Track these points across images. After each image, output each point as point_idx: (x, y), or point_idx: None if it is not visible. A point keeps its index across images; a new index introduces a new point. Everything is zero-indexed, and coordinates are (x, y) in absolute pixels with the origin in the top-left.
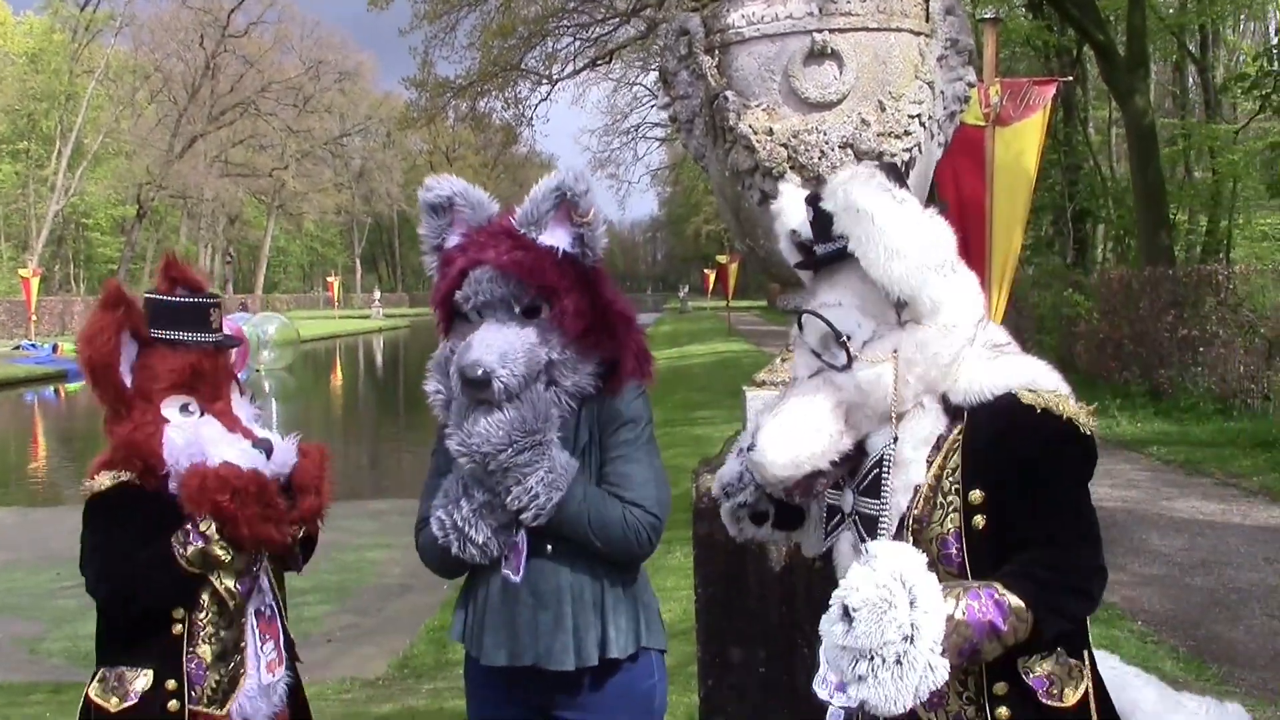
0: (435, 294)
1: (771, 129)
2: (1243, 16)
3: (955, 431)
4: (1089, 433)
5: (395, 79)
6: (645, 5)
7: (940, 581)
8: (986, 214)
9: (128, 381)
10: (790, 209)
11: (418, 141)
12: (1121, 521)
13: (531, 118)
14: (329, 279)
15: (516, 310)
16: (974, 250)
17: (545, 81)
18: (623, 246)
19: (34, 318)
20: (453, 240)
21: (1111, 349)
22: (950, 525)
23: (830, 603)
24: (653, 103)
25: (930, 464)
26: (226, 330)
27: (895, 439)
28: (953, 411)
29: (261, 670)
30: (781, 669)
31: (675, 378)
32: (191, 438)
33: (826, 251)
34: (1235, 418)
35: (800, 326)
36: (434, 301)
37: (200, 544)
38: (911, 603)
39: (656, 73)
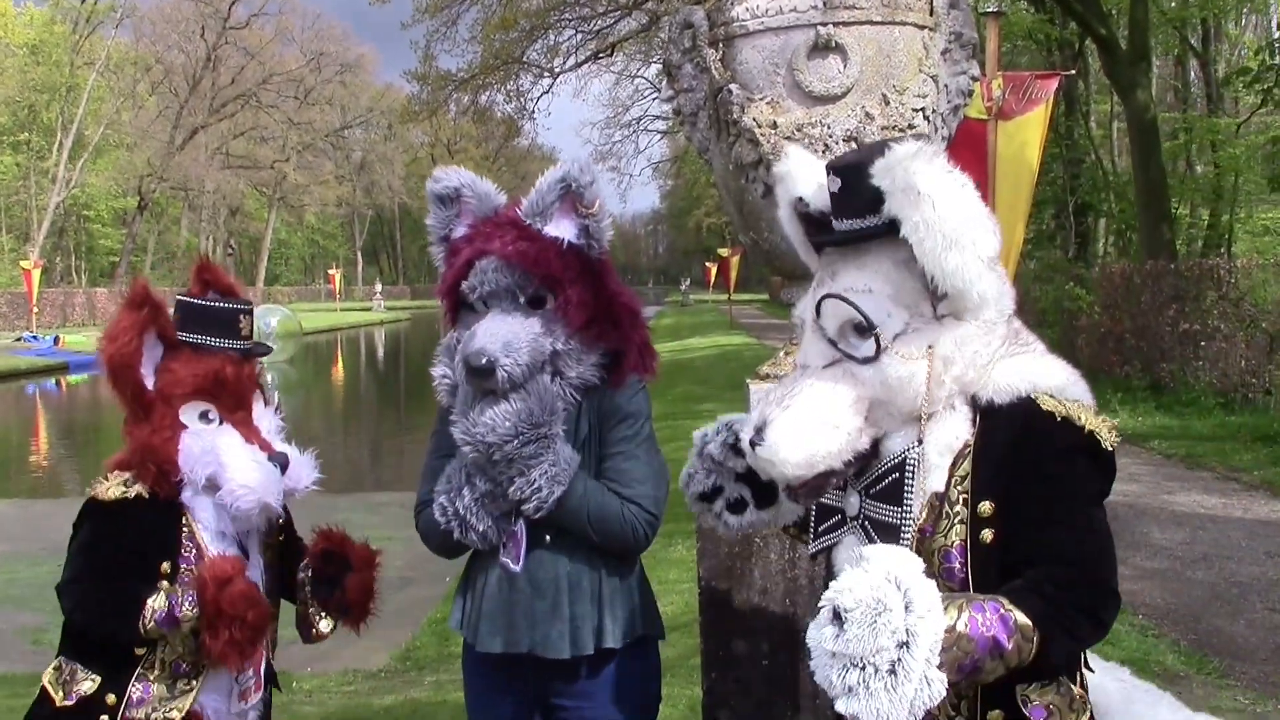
0: (442, 284)
1: (775, 122)
2: (1245, 10)
3: (970, 437)
4: (1109, 448)
5: (396, 71)
6: None
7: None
8: (989, 208)
9: (149, 383)
10: (798, 175)
11: (419, 134)
12: (1122, 516)
13: (533, 111)
14: (330, 271)
15: (521, 300)
16: None
17: (547, 74)
18: (624, 239)
19: (35, 309)
20: (459, 231)
21: (1113, 343)
22: (955, 538)
23: (820, 606)
24: (654, 95)
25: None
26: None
27: (920, 442)
28: (979, 415)
29: (233, 699)
30: (785, 662)
31: (677, 371)
32: (208, 446)
33: (857, 229)
34: (1236, 412)
35: (818, 312)
36: (440, 291)
37: (166, 627)
38: (907, 606)
39: (659, 66)
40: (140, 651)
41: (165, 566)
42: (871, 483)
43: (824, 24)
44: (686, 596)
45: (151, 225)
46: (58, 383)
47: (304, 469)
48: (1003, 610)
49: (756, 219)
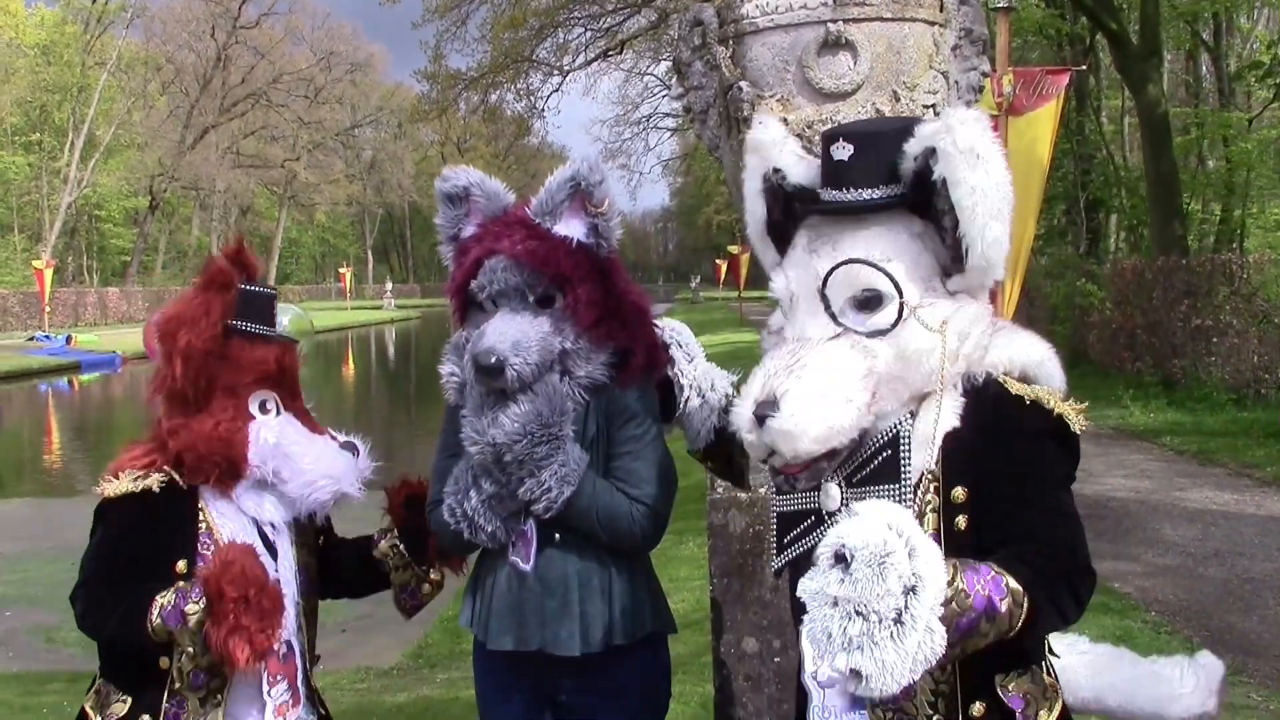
0: (451, 283)
1: (786, 119)
2: (1257, 4)
3: (959, 419)
4: (1076, 431)
5: (406, 70)
6: None
7: None
8: None
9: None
10: (777, 146)
11: (429, 133)
12: (1134, 512)
13: (543, 109)
14: (341, 270)
15: (530, 299)
16: None
17: (556, 73)
18: (634, 237)
19: (47, 309)
20: (468, 230)
21: (1124, 339)
22: (928, 527)
23: (818, 556)
24: (664, 93)
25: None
26: None
27: (912, 414)
28: (966, 397)
29: (269, 714)
30: (797, 659)
31: None
32: (280, 438)
33: (876, 199)
34: (1249, 408)
35: (825, 282)
36: (449, 290)
37: (172, 624)
38: (910, 553)
39: (668, 63)
40: (166, 665)
41: (181, 565)
42: (857, 468)
43: (834, 21)
44: (698, 594)
45: (163, 225)
46: (70, 382)
47: (367, 460)
48: (994, 572)
49: None
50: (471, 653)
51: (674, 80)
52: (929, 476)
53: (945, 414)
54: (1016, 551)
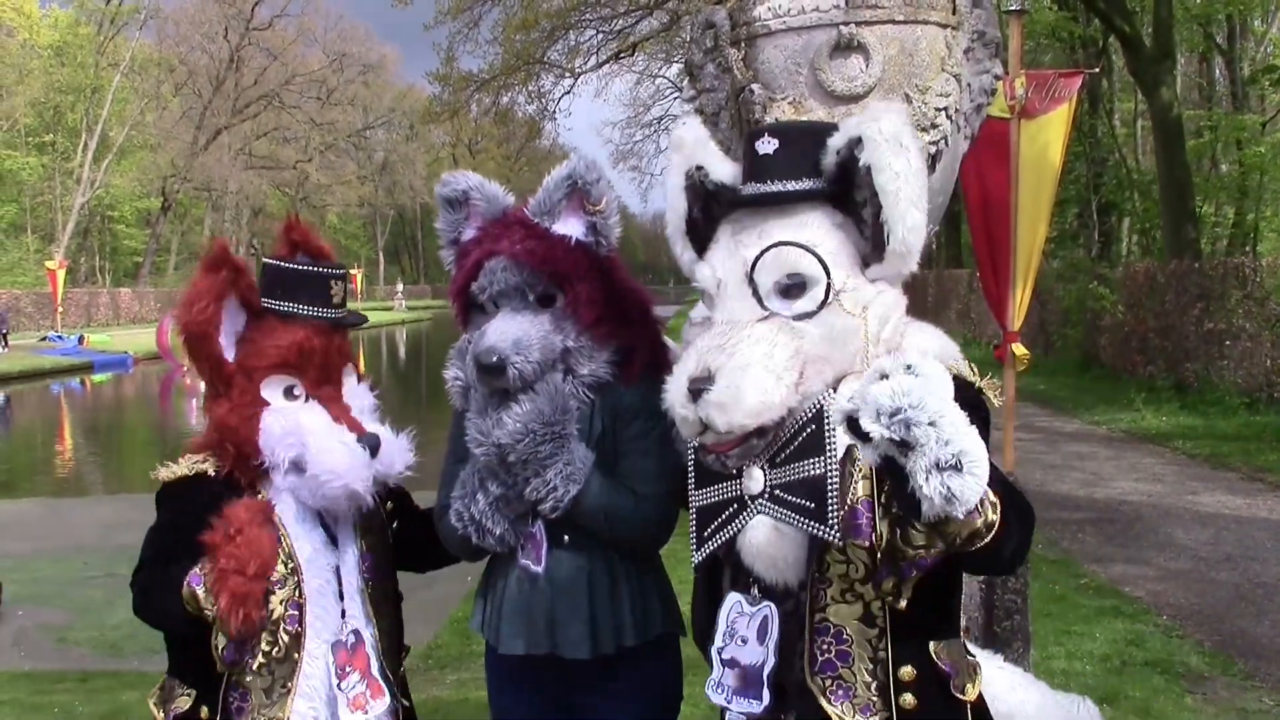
0: (452, 286)
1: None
2: (1272, 7)
3: None
4: (991, 406)
5: (418, 72)
6: None
7: (847, 560)
8: (1011, 208)
9: (230, 355)
10: (699, 142)
11: (441, 135)
12: (1146, 516)
13: (554, 111)
14: (352, 271)
15: (531, 299)
16: (999, 244)
17: (568, 75)
18: (645, 239)
19: (60, 309)
20: (469, 233)
21: (1136, 343)
22: (860, 492)
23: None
24: (676, 95)
25: None
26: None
27: (834, 389)
28: None
29: (344, 708)
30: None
31: None
32: (291, 426)
33: (800, 190)
34: (1261, 412)
35: (753, 266)
36: (451, 293)
37: (194, 584)
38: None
39: (680, 66)
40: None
41: None
42: (780, 448)
43: (846, 23)
44: None
45: (175, 226)
46: (82, 382)
47: (397, 453)
48: None
49: None
50: (481, 654)
51: (686, 83)
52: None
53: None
54: None
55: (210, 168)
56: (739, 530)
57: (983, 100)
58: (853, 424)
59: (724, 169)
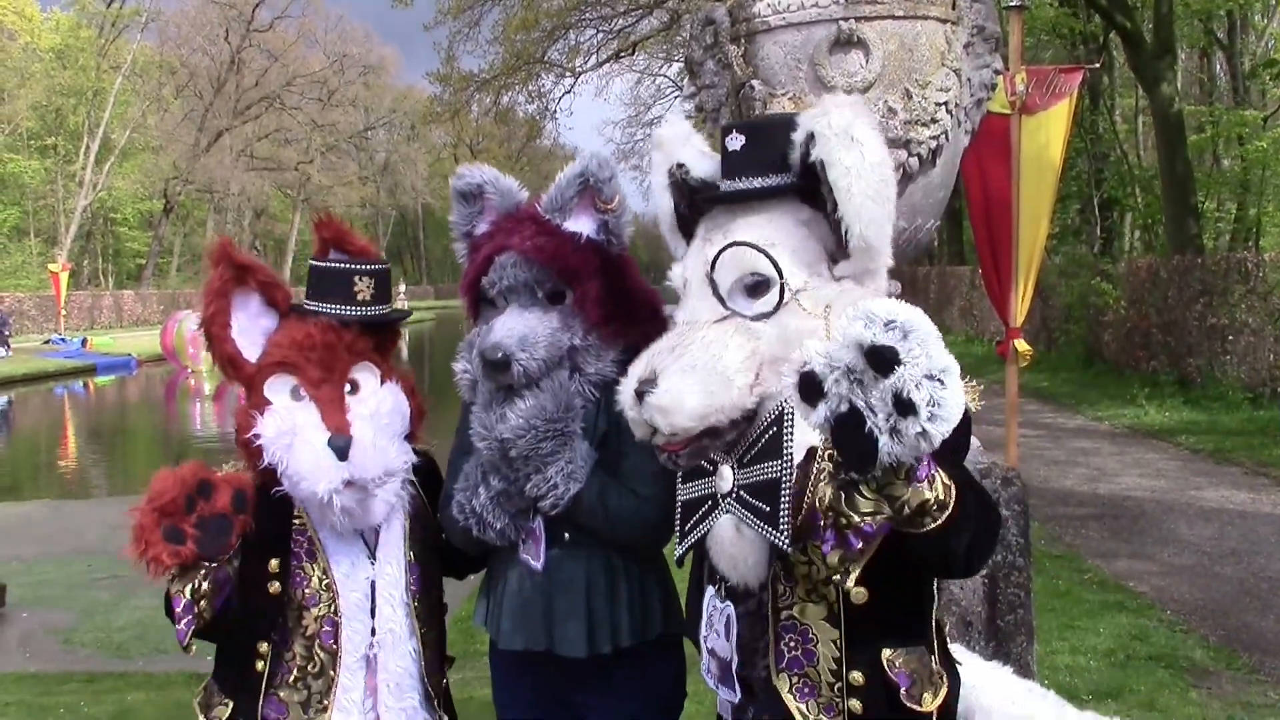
0: (463, 280)
1: None
2: (1273, 2)
3: None
4: (972, 409)
5: (418, 73)
6: None
7: (809, 561)
8: (1012, 204)
9: (252, 356)
10: (679, 142)
11: (442, 135)
12: (1150, 511)
13: (555, 111)
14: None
15: (539, 295)
16: (1000, 241)
17: (568, 74)
18: (647, 238)
19: (63, 312)
20: (482, 228)
21: (1139, 338)
22: (827, 491)
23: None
24: (676, 94)
25: None
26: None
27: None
28: None
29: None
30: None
31: None
32: (286, 428)
33: (760, 187)
34: (1265, 406)
35: (712, 265)
36: (462, 287)
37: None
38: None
39: (680, 65)
40: (260, 667)
41: (274, 564)
42: (747, 448)
43: (846, 19)
44: None
45: (177, 228)
46: (85, 385)
47: (371, 456)
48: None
49: None
50: (486, 652)
51: (686, 80)
52: (824, 445)
53: None
54: None
55: (212, 169)
56: (709, 529)
57: (983, 95)
58: (805, 382)
59: (705, 165)
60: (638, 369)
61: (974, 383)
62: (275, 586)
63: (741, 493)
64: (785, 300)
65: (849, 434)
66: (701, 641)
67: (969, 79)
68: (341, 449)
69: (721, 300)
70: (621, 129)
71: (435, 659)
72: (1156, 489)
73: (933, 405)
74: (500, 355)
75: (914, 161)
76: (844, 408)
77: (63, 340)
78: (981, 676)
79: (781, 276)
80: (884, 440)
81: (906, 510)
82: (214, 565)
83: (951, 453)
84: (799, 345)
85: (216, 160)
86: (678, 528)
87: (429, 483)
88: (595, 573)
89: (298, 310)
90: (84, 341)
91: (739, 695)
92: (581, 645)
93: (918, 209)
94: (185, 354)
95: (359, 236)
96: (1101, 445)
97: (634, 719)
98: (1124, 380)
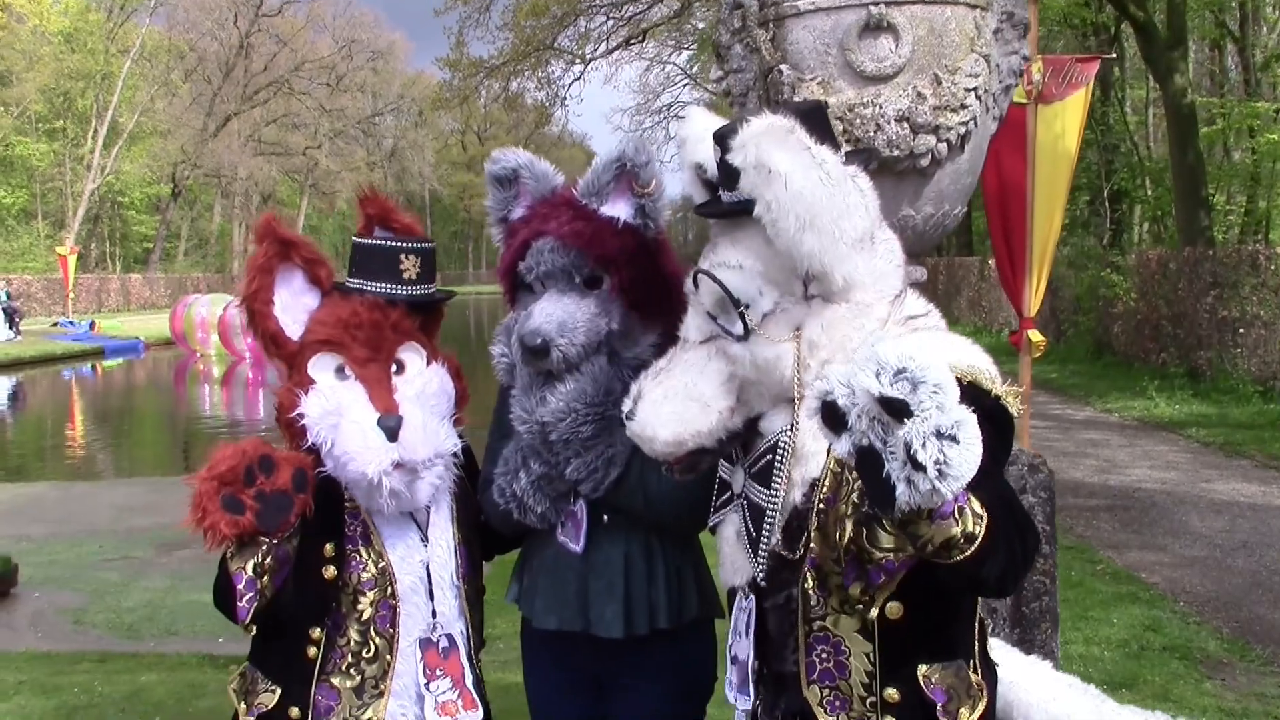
0: (500, 265)
1: (827, 103)
2: None
3: None
4: (1014, 414)
5: (427, 59)
6: None
7: (840, 570)
8: (1028, 194)
9: (295, 334)
10: (697, 140)
11: (450, 121)
12: (1161, 503)
13: (565, 97)
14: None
15: (577, 281)
16: (1015, 230)
17: (578, 61)
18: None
19: (71, 295)
20: (518, 212)
21: (1149, 330)
22: (850, 509)
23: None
24: (685, 82)
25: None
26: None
27: (793, 426)
28: None
29: (429, 710)
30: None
31: None
32: (331, 407)
33: (732, 202)
34: (1275, 400)
35: (695, 285)
36: (499, 272)
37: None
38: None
39: (690, 52)
40: (313, 653)
41: (328, 548)
42: (753, 462)
43: (876, 3)
44: None
45: (185, 212)
46: (93, 367)
47: (421, 437)
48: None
49: None
50: (504, 637)
51: (711, 65)
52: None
53: None
54: None
55: (220, 154)
56: (722, 520)
57: (1011, 81)
58: (827, 411)
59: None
60: (632, 389)
61: (1015, 386)
62: (331, 571)
63: (745, 500)
64: (750, 330)
65: (870, 471)
66: (728, 651)
67: (998, 65)
68: (392, 429)
69: (713, 317)
70: (630, 116)
71: (477, 642)
72: (1167, 481)
73: (941, 464)
74: (540, 341)
75: (943, 147)
76: (864, 443)
77: (71, 323)
78: (1020, 672)
79: (738, 305)
80: (901, 488)
81: (930, 548)
82: (274, 542)
83: (993, 463)
84: (770, 371)
85: (224, 145)
86: (714, 499)
87: (467, 465)
88: (634, 554)
89: (340, 288)
90: (92, 325)
91: (752, 700)
92: (619, 626)
93: (945, 195)
94: (194, 338)
95: (404, 213)
96: (1111, 437)
97: (667, 699)
98: (1133, 372)
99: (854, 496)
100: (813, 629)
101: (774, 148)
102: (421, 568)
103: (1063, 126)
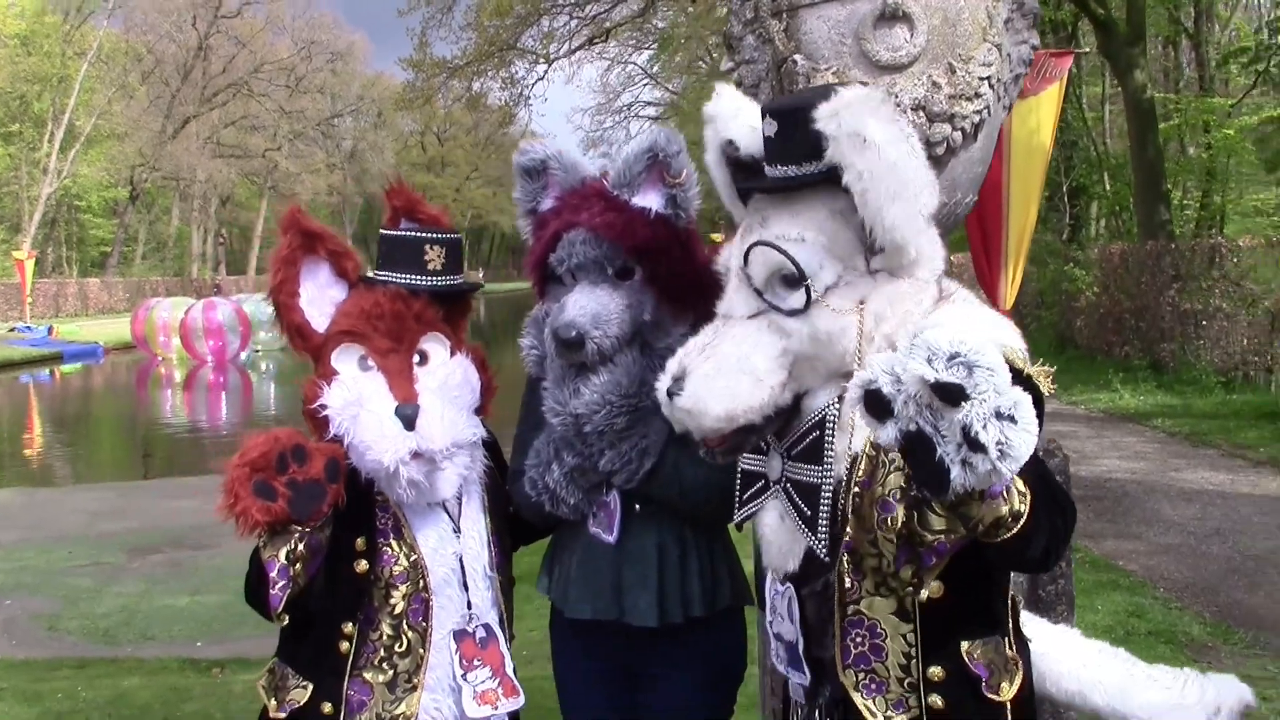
0: (530, 257)
1: None
2: None
3: None
4: (1045, 393)
5: (387, 59)
6: None
7: (879, 554)
8: (1003, 188)
9: (317, 325)
10: (729, 117)
11: (409, 122)
12: (1132, 492)
13: (528, 97)
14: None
15: (609, 272)
16: (990, 224)
17: (542, 61)
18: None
19: (29, 300)
20: (547, 204)
21: (1112, 324)
22: (893, 484)
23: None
24: (646, 82)
25: None
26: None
27: (840, 398)
28: None
29: (468, 701)
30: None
31: None
32: (352, 398)
33: (794, 176)
34: (1237, 390)
35: (745, 260)
36: (529, 264)
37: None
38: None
39: (650, 52)
40: (345, 648)
41: (359, 542)
42: (794, 443)
43: None
44: None
45: (143, 215)
46: (52, 373)
47: (439, 427)
48: None
49: None
50: (544, 624)
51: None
52: (886, 451)
53: None
54: None
55: (178, 157)
56: (759, 509)
57: (1021, 70)
58: (871, 399)
59: (756, 141)
60: (671, 366)
61: (1046, 366)
62: (363, 565)
63: (787, 485)
64: (814, 300)
65: (920, 456)
66: (767, 627)
67: (1009, 54)
68: (409, 418)
69: (758, 293)
70: (591, 116)
71: (508, 633)
72: (1137, 471)
73: (1003, 445)
74: (575, 334)
75: (957, 136)
76: (913, 428)
77: (28, 328)
78: (1050, 642)
79: (805, 278)
80: (956, 471)
81: (980, 527)
82: (307, 530)
83: None
84: (831, 344)
85: (183, 147)
86: (737, 495)
87: (493, 456)
88: (666, 545)
89: (367, 281)
90: (49, 330)
91: (809, 677)
92: (653, 615)
93: (957, 183)
94: (156, 342)
95: (430, 205)
96: (1078, 429)
97: (698, 688)
98: (1096, 365)
99: (900, 482)
100: (847, 613)
101: (869, 116)
102: (455, 559)
103: (1037, 121)
